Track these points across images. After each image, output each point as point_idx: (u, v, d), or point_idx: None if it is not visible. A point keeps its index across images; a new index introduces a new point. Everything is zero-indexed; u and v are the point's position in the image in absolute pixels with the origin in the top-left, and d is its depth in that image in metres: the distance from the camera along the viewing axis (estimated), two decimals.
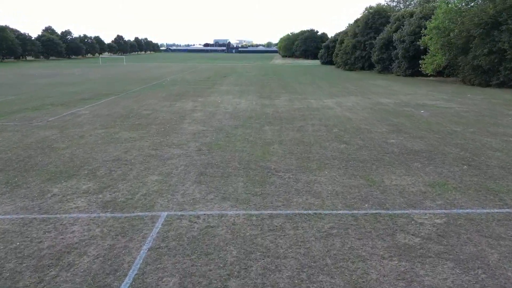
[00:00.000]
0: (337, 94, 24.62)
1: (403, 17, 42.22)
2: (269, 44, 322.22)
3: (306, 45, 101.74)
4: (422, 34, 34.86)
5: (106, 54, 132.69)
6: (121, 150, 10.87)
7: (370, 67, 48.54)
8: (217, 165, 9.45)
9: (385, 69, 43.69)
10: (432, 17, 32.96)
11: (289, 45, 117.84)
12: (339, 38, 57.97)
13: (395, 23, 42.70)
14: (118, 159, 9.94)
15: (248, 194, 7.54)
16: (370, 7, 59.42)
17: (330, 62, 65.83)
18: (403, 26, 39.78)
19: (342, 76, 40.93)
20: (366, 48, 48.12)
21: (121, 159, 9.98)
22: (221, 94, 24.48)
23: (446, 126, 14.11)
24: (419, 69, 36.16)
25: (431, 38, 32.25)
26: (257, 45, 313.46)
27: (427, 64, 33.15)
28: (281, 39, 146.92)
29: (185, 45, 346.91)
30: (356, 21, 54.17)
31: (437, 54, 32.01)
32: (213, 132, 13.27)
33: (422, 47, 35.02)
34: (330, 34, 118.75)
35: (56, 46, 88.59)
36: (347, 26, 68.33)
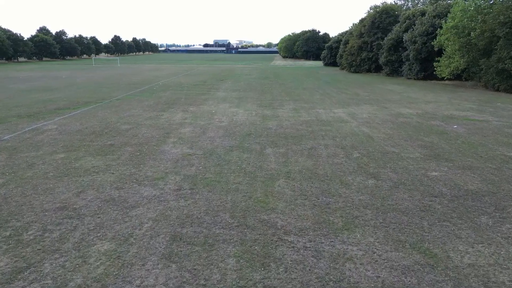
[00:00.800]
0: (348, 102, 21.81)
1: (413, 16, 39.42)
2: (269, 45, 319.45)
3: (307, 46, 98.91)
4: (437, 34, 32.13)
5: (103, 55, 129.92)
6: (73, 189, 8.05)
7: (377, 69, 45.74)
8: (199, 219, 6.63)
9: (394, 72, 40.88)
10: (449, 15, 30.17)
11: (290, 45, 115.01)
12: (343, 38, 55.17)
13: (405, 22, 39.90)
14: (63, 208, 7.12)
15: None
16: (376, 6, 56.81)
17: (334, 64, 63.04)
18: (414, 25, 36.99)
19: (349, 80, 38.11)
20: (373, 49, 45.32)
21: (68, 207, 7.17)
22: (217, 102, 21.67)
23: (495, 149, 11.29)
24: (433, 72, 33.37)
25: (447, 39, 29.45)
26: (257, 46, 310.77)
27: (443, 67, 30.34)
28: (281, 39, 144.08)
29: (185, 46, 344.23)
30: (361, 21, 51.37)
31: (454, 56, 29.18)
32: (201, 157, 10.46)
33: (436, 48, 32.25)
34: (332, 34, 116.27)
35: (49, 47, 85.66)
36: (351, 26, 65.62)
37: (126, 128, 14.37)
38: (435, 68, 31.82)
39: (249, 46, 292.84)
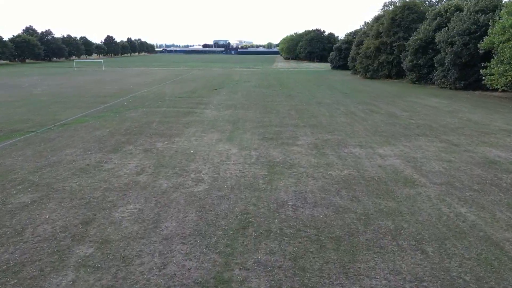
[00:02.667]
0: (391, 131, 15.21)
1: (446, 12, 32.82)
2: (269, 45, 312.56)
3: (311, 47, 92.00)
4: (482, 34, 25.58)
5: (95, 56, 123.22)
6: None
7: (399, 75, 39.12)
8: None
9: (422, 79, 34.22)
10: (503, 10, 23.59)
11: (292, 46, 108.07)
12: (356, 39, 48.53)
13: (435, 19, 33.30)
14: None
15: None
16: (391, 2, 50.19)
17: (343, 67, 56.42)
18: (449, 23, 30.39)
19: (370, 89, 31.48)
20: (394, 51, 38.70)
21: None
22: (201, 130, 15.08)
23: None
24: (479, 81, 26.79)
25: (502, 41, 22.88)
26: (257, 46, 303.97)
27: (495, 75, 23.71)
28: (283, 39, 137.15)
29: (184, 46, 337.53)
30: (377, 19, 44.79)
31: None
32: None
33: (482, 51, 25.68)
34: (336, 34, 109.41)
35: (33, 48, 78.92)
36: (363, 25, 59.02)
37: (18, 205, 7.79)
38: (483, 77, 25.20)
39: (249, 47, 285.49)
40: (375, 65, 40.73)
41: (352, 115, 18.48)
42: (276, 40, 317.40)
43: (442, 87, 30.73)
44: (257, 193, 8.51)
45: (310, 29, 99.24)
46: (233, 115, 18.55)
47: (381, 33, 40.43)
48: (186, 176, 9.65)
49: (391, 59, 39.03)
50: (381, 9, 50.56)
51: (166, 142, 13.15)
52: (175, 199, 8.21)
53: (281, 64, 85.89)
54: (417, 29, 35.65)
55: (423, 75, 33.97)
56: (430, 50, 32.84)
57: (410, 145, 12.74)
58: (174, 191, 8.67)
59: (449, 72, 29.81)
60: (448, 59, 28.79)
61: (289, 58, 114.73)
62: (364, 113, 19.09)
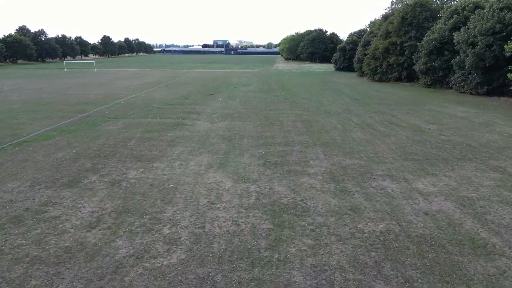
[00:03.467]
0: (424, 154, 12.38)
1: (463, 9, 29.97)
2: (269, 45, 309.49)
3: (313, 47, 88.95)
4: (510, 34, 22.78)
5: (91, 56, 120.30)
6: None
7: (410, 78, 36.27)
8: None
9: (437, 82, 31.33)
10: None
11: (293, 46, 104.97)
12: (363, 39, 45.69)
13: (452, 17, 30.44)
14: None
15: None
16: (399, 0, 47.32)
17: (348, 68, 53.57)
18: (468, 21, 27.55)
19: (382, 95, 28.64)
20: (405, 53, 35.83)
21: None
22: (188, 151, 12.24)
23: None
24: (505, 86, 23.97)
25: None
26: (257, 46, 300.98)
27: None
28: (283, 39, 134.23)
29: (184, 46, 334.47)
30: (385, 17, 41.99)
31: None
32: None
33: (509, 53, 22.85)
34: (338, 34, 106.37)
35: (25, 48, 76.02)
36: (369, 24, 56.25)
37: None
38: (510, 81, 22.36)
39: (248, 47, 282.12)
40: (384, 67, 37.84)
41: (370, 129, 15.62)
42: (276, 40, 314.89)
43: (462, 92, 27.86)
44: (257, 270, 5.67)
45: (311, 29, 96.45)
46: (229, 129, 15.71)
47: (391, 32, 37.55)
48: (156, 233, 6.82)
49: (401, 61, 36.14)
50: (389, 8, 47.69)
51: (141, 170, 10.31)
52: (130, 285, 5.36)
53: (282, 65, 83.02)
54: (431, 29, 32.83)
55: (438, 79, 31.10)
56: (446, 52, 30.00)
57: (455, 175, 9.88)
58: (132, 265, 5.82)
59: (469, 76, 26.94)
60: (469, 61, 25.93)
61: (290, 59, 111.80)
62: (383, 126, 16.23)
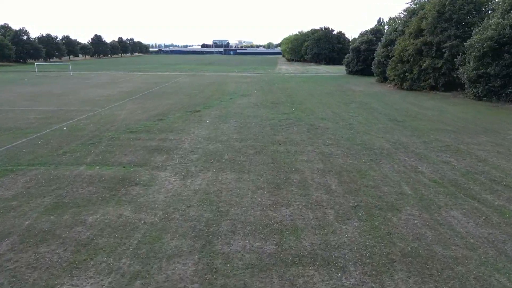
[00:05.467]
0: None
1: None
2: (269, 45, 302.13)
3: (319, 47, 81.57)
4: None
5: (81, 57, 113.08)
6: None
7: (449, 86, 29.18)
8: None
9: (493, 94, 24.20)
10: None
11: (296, 46, 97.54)
12: (384, 38, 38.59)
13: (510, 9, 23.37)
14: None
15: None
16: None
17: (363, 72, 46.55)
18: None
19: (428, 113, 21.48)
20: (443, 55, 28.73)
21: None
22: (107, 284, 5.14)
23: None
24: None
25: None
26: (257, 46, 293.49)
27: None
28: (285, 39, 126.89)
29: (183, 46, 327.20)
30: (413, 12, 34.93)
31: None
32: None
33: None
34: (345, 32, 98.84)
35: (2, 49, 68.89)
36: (388, 21, 49.15)
37: None
38: None
39: (248, 47, 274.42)
40: (415, 72, 30.72)
41: (468, 199, 8.50)
42: (276, 40, 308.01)
43: None
44: None
45: (316, 27, 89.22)
46: (210, 195, 8.67)
47: (423, 30, 30.45)
48: None
49: (439, 65, 29.01)
50: (411, 1, 40.52)
51: None
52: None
53: (285, 67, 75.70)
54: (480, 24, 25.81)
55: (494, 89, 24.00)
56: (506, 54, 22.94)
57: None
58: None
59: None
60: None
61: (292, 60, 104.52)
62: (482, 187, 9.12)
